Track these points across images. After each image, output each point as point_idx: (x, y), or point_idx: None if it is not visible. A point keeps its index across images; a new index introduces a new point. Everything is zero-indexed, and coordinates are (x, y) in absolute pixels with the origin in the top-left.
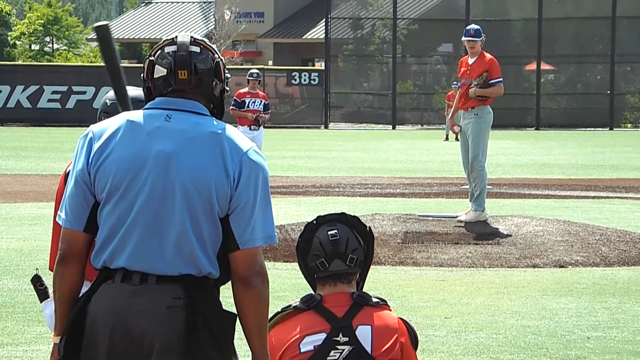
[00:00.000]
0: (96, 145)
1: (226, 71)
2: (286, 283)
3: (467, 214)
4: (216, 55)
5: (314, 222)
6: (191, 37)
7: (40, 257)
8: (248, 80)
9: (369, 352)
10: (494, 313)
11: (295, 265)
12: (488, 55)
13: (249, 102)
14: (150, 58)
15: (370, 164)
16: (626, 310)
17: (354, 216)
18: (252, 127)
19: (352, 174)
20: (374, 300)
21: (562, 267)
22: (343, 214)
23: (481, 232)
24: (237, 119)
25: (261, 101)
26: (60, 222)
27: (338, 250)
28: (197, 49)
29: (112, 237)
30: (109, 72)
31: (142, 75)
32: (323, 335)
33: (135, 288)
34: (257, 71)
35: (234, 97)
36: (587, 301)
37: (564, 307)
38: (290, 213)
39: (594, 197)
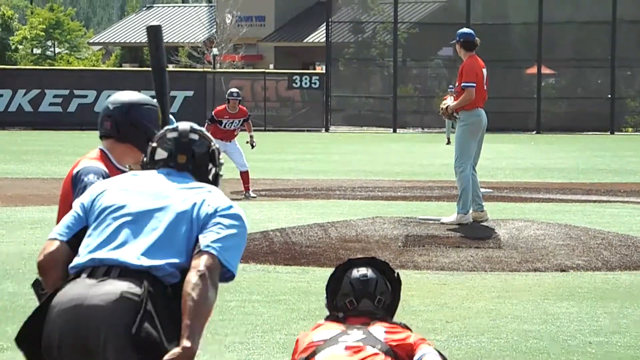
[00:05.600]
0: (100, 187)
1: (221, 158)
2: (286, 286)
3: (451, 216)
4: (212, 143)
5: (345, 263)
6: (190, 126)
7: None
8: (228, 99)
9: (381, 339)
10: (495, 317)
11: (296, 268)
12: (465, 59)
13: (225, 123)
14: (152, 145)
15: (371, 167)
16: (628, 315)
17: (384, 261)
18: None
19: (353, 177)
20: (393, 320)
21: (564, 271)
22: (373, 258)
23: (482, 235)
24: (211, 131)
25: (239, 120)
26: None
27: (367, 290)
28: (195, 137)
29: (91, 248)
30: (155, 72)
31: (143, 158)
32: (338, 331)
33: (97, 280)
34: (237, 90)
35: (213, 113)
36: (588, 306)
37: (565, 311)
38: (291, 216)
39: (595, 201)
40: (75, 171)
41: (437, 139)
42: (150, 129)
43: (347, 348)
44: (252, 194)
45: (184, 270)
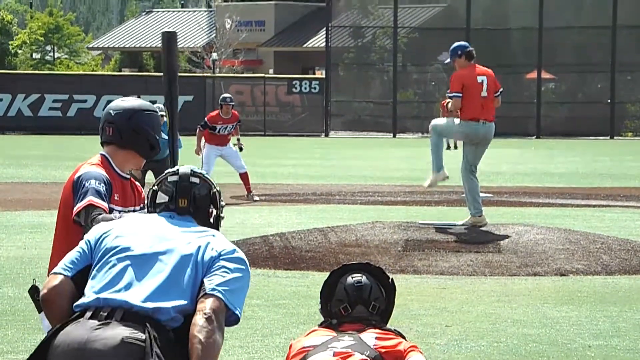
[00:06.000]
0: (105, 227)
1: (222, 200)
2: (286, 291)
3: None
4: (213, 186)
5: (339, 268)
6: (191, 169)
7: (40, 265)
8: (221, 105)
9: (370, 345)
10: (494, 321)
11: (296, 272)
12: (458, 69)
13: (219, 128)
14: (153, 188)
15: (371, 172)
16: (627, 319)
17: (378, 267)
18: (221, 145)
19: (352, 182)
20: (386, 326)
21: (563, 275)
22: (368, 264)
23: (482, 240)
24: (205, 137)
25: (232, 125)
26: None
27: (362, 296)
28: (196, 180)
29: (96, 289)
30: (166, 76)
31: (145, 202)
32: (329, 337)
33: (99, 323)
34: (229, 96)
35: (206, 119)
36: (588, 310)
37: (565, 315)
38: (291, 221)
39: (594, 206)
40: (76, 176)
41: None
42: (152, 134)
43: (335, 354)
44: (255, 197)
45: (187, 313)
